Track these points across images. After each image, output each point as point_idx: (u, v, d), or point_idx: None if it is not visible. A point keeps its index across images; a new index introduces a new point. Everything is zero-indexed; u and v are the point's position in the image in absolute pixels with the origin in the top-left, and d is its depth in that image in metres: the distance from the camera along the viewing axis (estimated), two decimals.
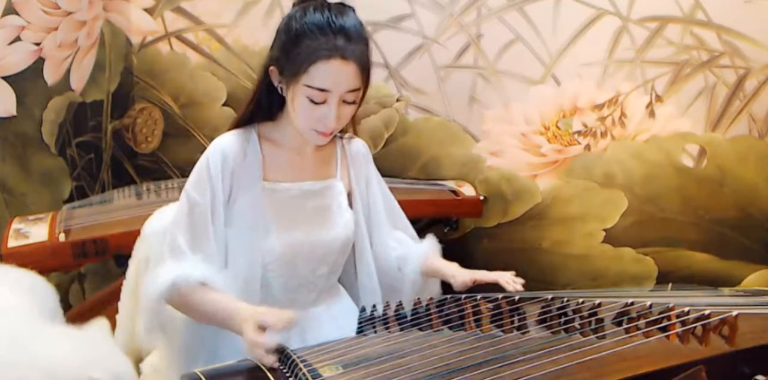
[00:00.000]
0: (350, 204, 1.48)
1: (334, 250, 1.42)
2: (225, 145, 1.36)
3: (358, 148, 1.51)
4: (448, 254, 1.60)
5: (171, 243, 1.33)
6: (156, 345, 1.51)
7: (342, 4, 1.31)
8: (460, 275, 1.43)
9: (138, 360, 1.56)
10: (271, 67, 1.33)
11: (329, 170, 1.46)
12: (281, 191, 1.38)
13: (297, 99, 1.28)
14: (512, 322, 1.22)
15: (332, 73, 1.25)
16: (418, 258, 1.52)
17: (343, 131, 1.49)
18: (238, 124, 1.40)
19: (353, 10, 1.32)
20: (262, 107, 1.38)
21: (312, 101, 1.26)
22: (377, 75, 2.64)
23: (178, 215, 1.35)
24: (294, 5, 1.33)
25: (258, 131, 1.39)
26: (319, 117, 1.28)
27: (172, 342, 1.40)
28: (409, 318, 1.26)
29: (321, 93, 1.26)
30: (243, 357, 1.18)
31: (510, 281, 1.39)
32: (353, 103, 1.30)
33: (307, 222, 1.39)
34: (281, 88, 1.33)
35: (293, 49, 1.27)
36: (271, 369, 1.10)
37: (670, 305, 1.20)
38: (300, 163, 1.41)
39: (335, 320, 1.44)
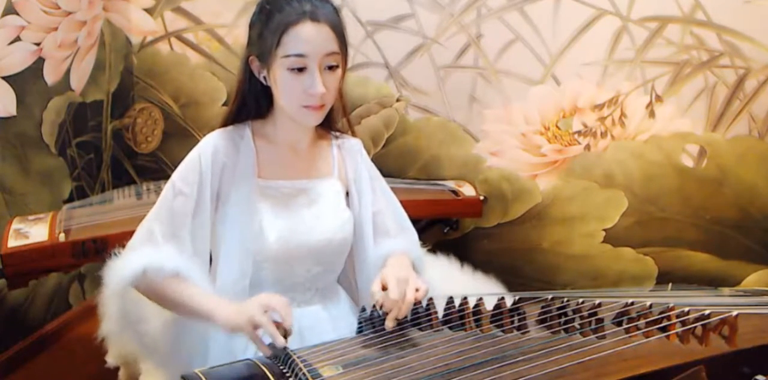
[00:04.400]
0: (349, 204, 1.47)
1: (329, 250, 1.41)
2: (217, 142, 1.35)
3: (353, 147, 1.49)
4: (448, 254, 1.59)
5: (144, 232, 1.33)
6: (135, 348, 1.48)
7: None
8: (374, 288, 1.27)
9: (137, 360, 1.55)
10: (250, 57, 1.33)
11: (325, 169, 1.45)
12: (275, 188, 1.37)
13: (279, 76, 1.27)
14: (512, 322, 1.22)
15: (305, 36, 1.25)
16: (376, 267, 1.41)
17: (339, 130, 1.48)
18: (225, 123, 1.40)
19: None
20: (247, 104, 1.37)
21: (293, 71, 1.26)
22: (377, 75, 2.64)
23: (158, 205, 1.34)
24: None
25: (251, 128, 1.39)
26: (304, 88, 1.27)
27: (159, 346, 1.38)
28: (409, 318, 1.26)
29: (299, 59, 1.25)
30: (238, 357, 1.18)
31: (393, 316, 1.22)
32: (335, 67, 1.29)
33: (301, 221, 1.38)
34: (264, 78, 1.32)
35: (265, 27, 1.28)
36: (271, 369, 1.10)
37: (670, 305, 1.20)
38: (295, 160, 1.40)
39: (334, 320, 1.43)
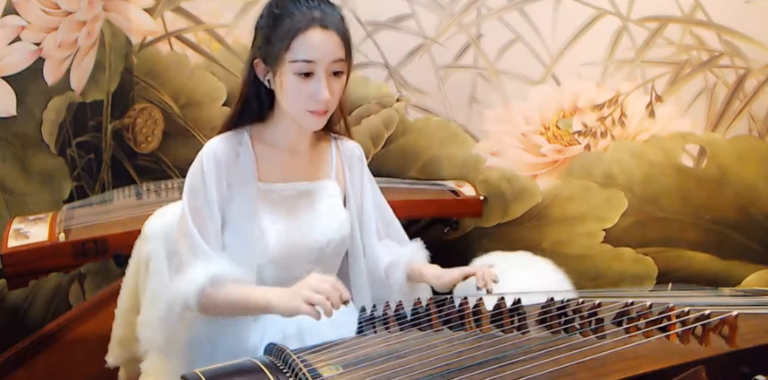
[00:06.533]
0: (346, 205, 1.48)
1: (329, 251, 1.42)
2: (217, 149, 1.36)
3: (353, 150, 1.51)
4: (448, 254, 1.60)
5: (189, 248, 1.33)
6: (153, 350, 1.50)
7: None
8: (447, 274, 1.43)
9: (137, 360, 1.56)
10: (256, 60, 1.34)
11: (324, 171, 1.46)
12: (275, 191, 1.38)
13: (285, 80, 1.29)
14: (512, 322, 1.22)
15: (314, 43, 1.26)
16: (402, 265, 1.51)
17: (337, 132, 1.49)
18: (229, 125, 1.41)
19: None
20: (251, 106, 1.38)
21: (300, 76, 1.27)
22: (377, 75, 2.64)
23: (183, 224, 1.34)
24: None
25: (250, 133, 1.40)
26: (310, 93, 1.28)
27: (171, 346, 1.39)
28: (409, 318, 1.26)
29: (307, 64, 1.27)
30: (242, 358, 1.18)
31: (484, 277, 1.37)
32: (341, 73, 1.31)
33: (300, 223, 1.39)
34: (268, 81, 1.33)
35: (273, 32, 1.29)
36: (271, 369, 1.10)
37: (670, 305, 1.20)
38: (293, 163, 1.41)
39: (333, 321, 1.44)
